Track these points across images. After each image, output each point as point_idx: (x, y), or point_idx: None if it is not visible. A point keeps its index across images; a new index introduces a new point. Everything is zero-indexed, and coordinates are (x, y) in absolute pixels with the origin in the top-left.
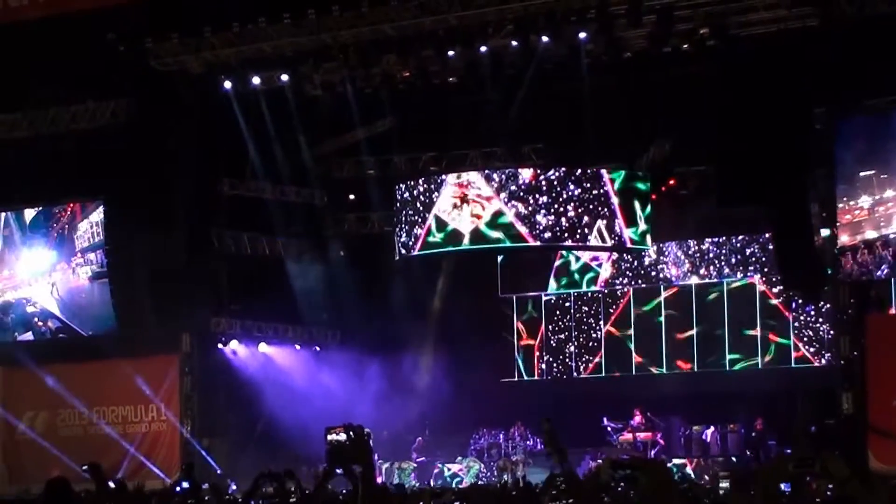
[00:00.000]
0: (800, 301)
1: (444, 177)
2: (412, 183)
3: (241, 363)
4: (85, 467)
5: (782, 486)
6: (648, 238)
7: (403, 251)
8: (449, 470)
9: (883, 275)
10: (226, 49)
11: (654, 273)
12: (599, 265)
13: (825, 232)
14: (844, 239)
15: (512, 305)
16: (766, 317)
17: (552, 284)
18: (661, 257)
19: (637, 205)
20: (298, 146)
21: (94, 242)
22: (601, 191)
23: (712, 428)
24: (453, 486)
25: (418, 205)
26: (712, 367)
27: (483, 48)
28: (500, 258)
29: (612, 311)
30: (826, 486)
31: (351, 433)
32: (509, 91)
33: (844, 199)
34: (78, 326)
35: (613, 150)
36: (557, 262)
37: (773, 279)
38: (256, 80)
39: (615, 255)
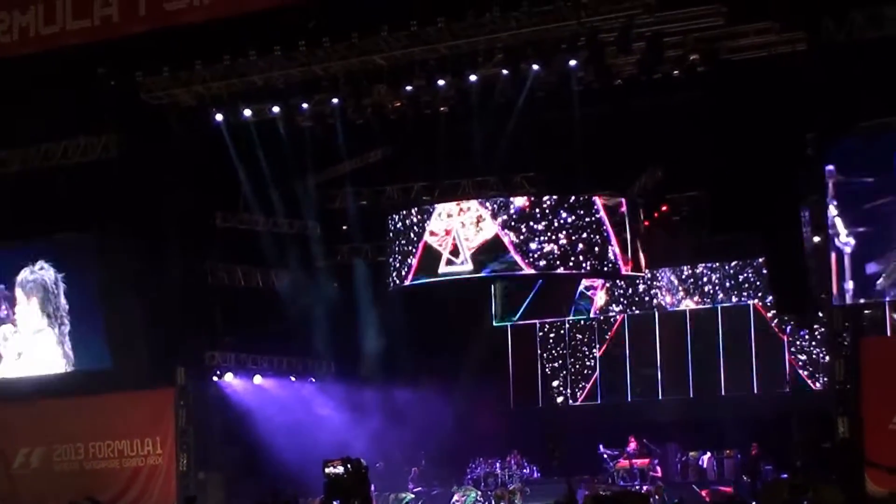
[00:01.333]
0: (794, 325)
1: (436, 206)
2: (405, 213)
3: (236, 396)
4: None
5: None
6: (642, 264)
7: (397, 281)
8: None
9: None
10: (217, 82)
11: (647, 299)
12: (594, 293)
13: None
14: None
15: (507, 334)
16: (761, 341)
17: (547, 312)
18: (655, 283)
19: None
20: (290, 178)
21: None
22: (594, 217)
23: (709, 454)
24: None
25: (411, 234)
26: (708, 393)
27: (473, 77)
28: (493, 287)
29: (606, 337)
30: None
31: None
32: (500, 119)
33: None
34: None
35: (606, 176)
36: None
37: (768, 304)
38: (248, 113)
39: (609, 282)
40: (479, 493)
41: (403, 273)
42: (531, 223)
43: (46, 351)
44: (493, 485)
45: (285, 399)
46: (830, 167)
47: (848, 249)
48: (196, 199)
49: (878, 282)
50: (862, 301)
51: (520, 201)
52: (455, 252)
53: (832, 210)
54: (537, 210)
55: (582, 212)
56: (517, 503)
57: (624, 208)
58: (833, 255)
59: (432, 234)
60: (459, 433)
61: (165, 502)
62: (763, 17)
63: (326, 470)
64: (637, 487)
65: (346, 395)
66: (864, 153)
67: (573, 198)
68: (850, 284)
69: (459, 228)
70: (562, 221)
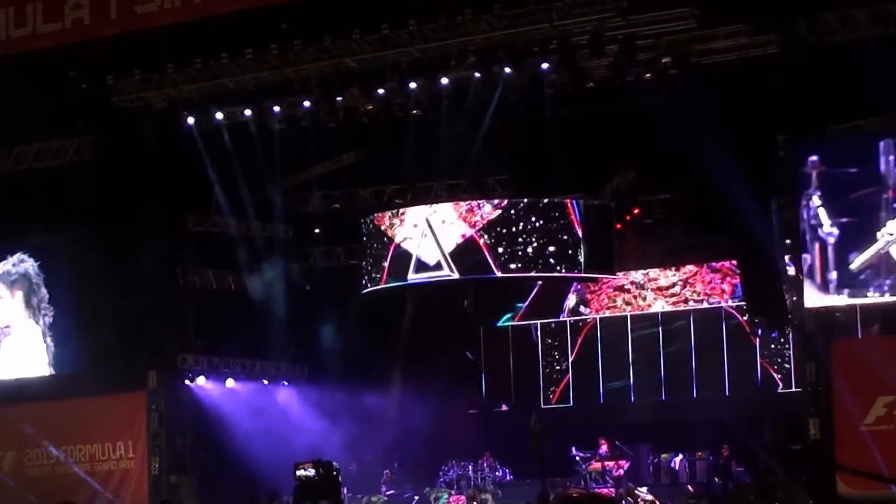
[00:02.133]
0: (766, 327)
1: (409, 209)
2: (377, 216)
3: (208, 399)
4: None
5: None
6: (614, 267)
7: (370, 284)
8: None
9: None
10: (188, 85)
11: (619, 302)
12: (565, 295)
13: (789, 258)
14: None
15: (479, 336)
16: (733, 344)
17: (518, 314)
18: (627, 286)
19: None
20: (263, 181)
21: None
22: (566, 221)
23: (680, 455)
24: None
25: (384, 238)
26: (679, 395)
27: (445, 80)
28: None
29: (577, 339)
30: None
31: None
32: (473, 122)
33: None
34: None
35: (578, 179)
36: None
37: (739, 306)
38: (219, 116)
39: (580, 285)
40: (451, 493)
41: (376, 276)
42: (503, 226)
43: (32, 350)
44: (465, 487)
45: (258, 402)
46: (814, 158)
47: (832, 240)
48: (168, 203)
49: (861, 275)
50: (846, 292)
51: (492, 204)
52: (427, 255)
53: (815, 200)
54: (510, 213)
55: (554, 214)
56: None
57: (596, 211)
58: (817, 246)
59: (405, 237)
60: (432, 435)
61: None
62: (735, 19)
63: (297, 472)
64: (609, 490)
65: (318, 399)
66: (847, 143)
67: (545, 200)
68: (833, 275)
69: (432, 232)
70: (534, 224)
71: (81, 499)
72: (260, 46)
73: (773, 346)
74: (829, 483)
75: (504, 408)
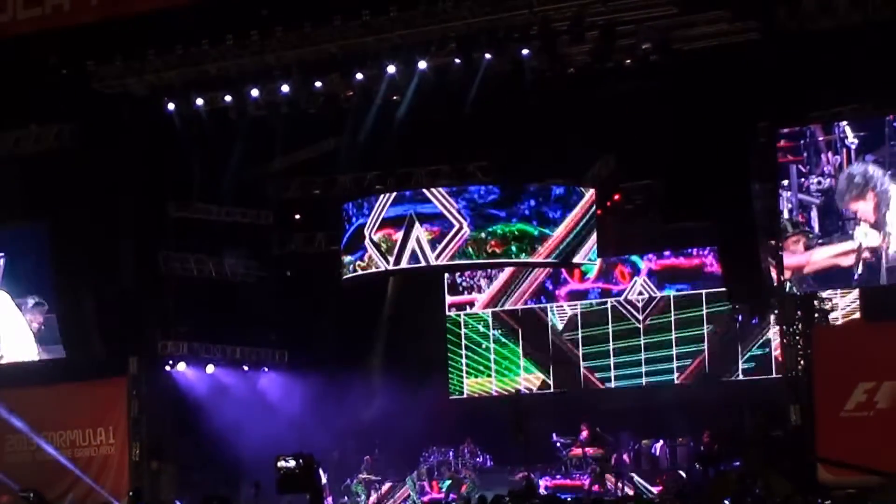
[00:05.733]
0: (747, 314)
1: (389, 195)
2: (358, 202)
3: (189, 385)
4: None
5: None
6: (594, 253)
7: (350, 270)
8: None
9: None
10: (169, 71)
11: (599, 288)
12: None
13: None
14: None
15: (460, 323)
16: (714, 330)
17: (498, 301)
18: (607, 272)
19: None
20: (243, 167)
21: None
22: (547, 206)
23: (661, 442)
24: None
25: (364, 224)
26: (660, 381)
27: (426, 66)
28: (447, 275)
29: (558, 325)
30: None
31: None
32: (453, 108)
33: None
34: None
35: (559, 165)
36: (504, 279)
37: (720, 293)
38: (200, 102)
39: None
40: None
41: (356, 262)
42: (483, 212)
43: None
44: (445, 473)
45: (238, 388)
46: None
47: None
48: (149, 189)
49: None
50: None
51: (472, 190)
52: (407, 241)
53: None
54: (490, 198)
55: (534, 201)
56: (470, 486)
57: (575, 197)
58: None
59: (385, 222)
60: (413, 422)
61: (118, 492)
62: (716, 6)
63: (279, 464)
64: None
65: (299, 384)
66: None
67: (525, 186)
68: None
69: (412, 217)
70: (514, 210)
71: (62, 485)
72: (241, 32)
73: (753, 332)
74: (810, 470)
75: (485, 394)
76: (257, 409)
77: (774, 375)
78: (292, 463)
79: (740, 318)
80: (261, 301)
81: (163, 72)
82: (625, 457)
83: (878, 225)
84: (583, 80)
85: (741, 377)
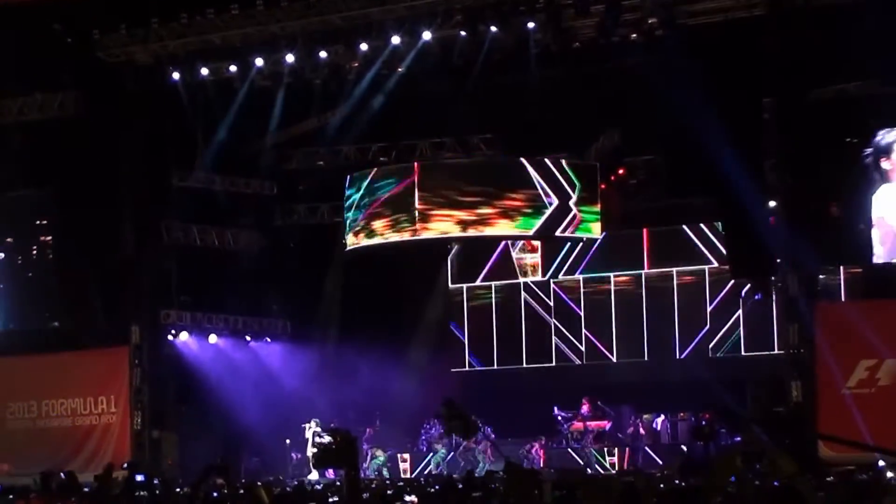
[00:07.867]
0: (749, 289)
1: (392, 166)
2: (361, 173)
3: (191, 355)
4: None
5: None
6: (598, 227)
7: (353, 242)
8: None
9: None
10: (174, 40)
11: (603, 262)
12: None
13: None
14: None
15: (463, 296)
16: (716, 305)
17: (503, 274)
18: (611, 246)
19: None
20: (247, 137)
21: None
22: (552, 180)
23: (662, 416)
24: None
25: (367, 196)
26: (662, 356)
27: (431, 37)
28: (451, 248)
29: (562, 300)
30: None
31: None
32: (458, 81)
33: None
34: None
35: (563, 139)
36: (510, 252)
37: (723, 268)
38: (205, 71)
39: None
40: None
41: (359, 234)
42: (485, 185)
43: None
44: (447, 446)
45: (241, 358)
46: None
47: None
48: (152, 158)
49: None
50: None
51: (478, 162)
52: (411, 213)
53: None
54: (492, 172)
55: (539, 175)
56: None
57: (581, 171)
58: None
59: (389, 194)
60: (415, 394)
61: (119, 461)
62: None
63: (315, 440)
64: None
65: (301, 355)
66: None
67: (530, 160)
68: None
69: (416, 189)
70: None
71: (63, 452)
72: (246, 2)
73: (756, 307)
74: (811, 446)
75: (486, 367)
76: (259, 379)
77: (776, 351)
78: (328, 438)
79: (743, 293)
80: (264, 272)
81: (167, 41)
82: (629, 431)
83: None
84: (588, 55)
85: (743, 353)
